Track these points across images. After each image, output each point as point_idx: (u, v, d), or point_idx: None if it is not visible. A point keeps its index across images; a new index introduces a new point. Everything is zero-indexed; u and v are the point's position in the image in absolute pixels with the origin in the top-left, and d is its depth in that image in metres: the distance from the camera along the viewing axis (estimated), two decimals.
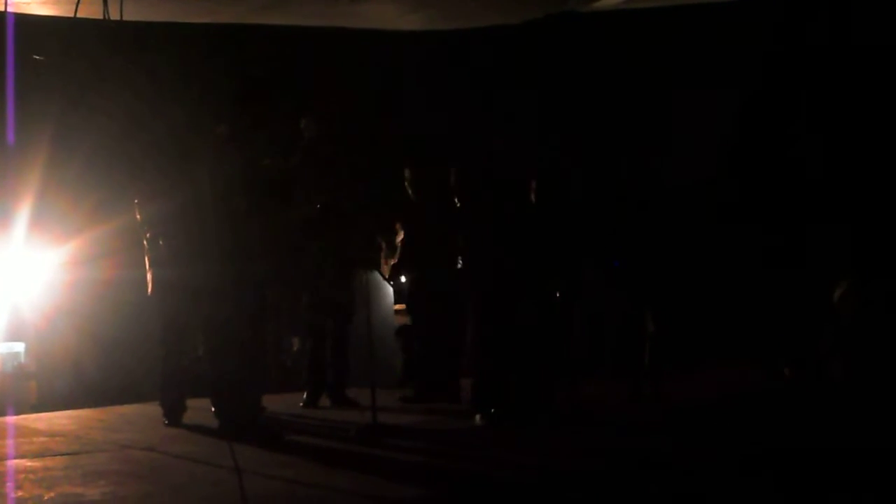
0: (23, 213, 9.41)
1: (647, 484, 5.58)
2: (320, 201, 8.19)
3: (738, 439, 6.72)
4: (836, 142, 10.59)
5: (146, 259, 7.85)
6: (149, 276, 7.81)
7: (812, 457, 6.09)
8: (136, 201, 7.84)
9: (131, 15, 6.85)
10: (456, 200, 7.68)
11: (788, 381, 9.13)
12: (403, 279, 8.95)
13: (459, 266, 7.88)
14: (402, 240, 8.83)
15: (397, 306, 10.28)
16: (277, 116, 8.50)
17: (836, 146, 10.61)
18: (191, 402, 7.95)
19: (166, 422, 7.77)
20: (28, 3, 7.65)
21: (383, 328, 9.58)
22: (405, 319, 9.27)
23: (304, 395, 8.63)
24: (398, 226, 8.98)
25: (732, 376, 9.68)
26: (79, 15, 7.15)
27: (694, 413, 7.95)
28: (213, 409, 7.92)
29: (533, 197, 7.87)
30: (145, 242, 7.85)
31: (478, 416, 7.53)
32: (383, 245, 9.15)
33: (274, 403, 8.08)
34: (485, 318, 7.63)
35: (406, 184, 8.58)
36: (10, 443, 7.26)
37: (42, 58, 9.08)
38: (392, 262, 9.08)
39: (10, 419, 8.40)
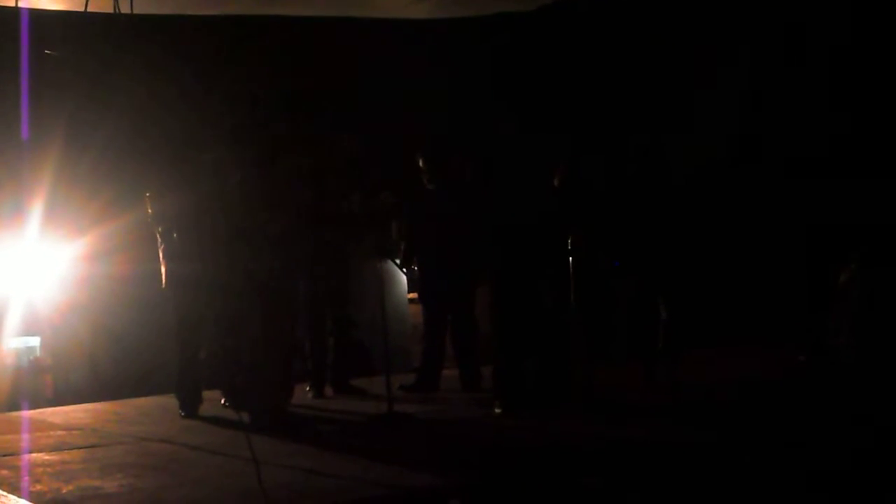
0: (37, 208, 9.44)
1: (664, 470, 5.57)
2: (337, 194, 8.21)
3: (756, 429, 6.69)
4: (849, 123, 10.53)
5: (160, 252, 7.87)
6: (163, 270, 7.84)
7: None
8: (147, 195, 7.86)
9: (141, 8, 6.85)
10: (469, 189, 7.67)
11: (804, 366, 9.09)
12: (414, 267, 8.93)
13: (473, 254, 7.88)
14: (413, 227, 8.81)
15: (410, 295, 10.28)
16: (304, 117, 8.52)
17: (849, 127, 10.55)
18: (206, 394, 7.98)
19: (183, 413, 7.79)
20: None
21: (396, 317, 9.59)
22: (418, 308, 9.25)
23: (308, 387, 8.61)
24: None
25: (747, 361, 9.64)
26: (89, 9, 7.15)
27: (709, 399, 7.91)
28: (222, 400, 7.96)
29: (548, 183, 7.86)
30: (158, 236, 7.88)
31: (497, 404, 7.52)
32: (397, 231, 9.13)
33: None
34: (502, 305, 7.62)
35: (420, 172, 8.56)
36: (27, 437, 7.29)
37: (54, 53, 9.10)
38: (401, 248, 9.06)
39: (27, 413, 8.43)
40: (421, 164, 8.53)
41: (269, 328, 7.27)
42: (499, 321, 7.68)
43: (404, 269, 9.10)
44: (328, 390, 8.66)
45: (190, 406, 7.82)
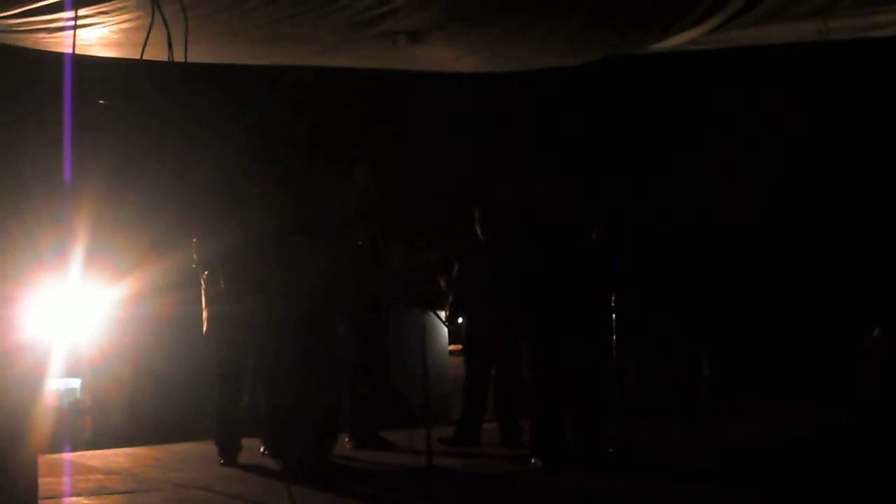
0: (79, 250, 9.49)
1: None
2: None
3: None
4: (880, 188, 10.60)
5: (202, 296, 7.92)
6: (204, 314, 7.88)
7: None
8: (194, 240, 7.92)
9: (194, 57, 6.94)
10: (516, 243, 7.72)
11: (846, 426, 9.03)
12: (460, 320, 8.93)
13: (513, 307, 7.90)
14: (459, 280, 8.82)
15: (452, 346, 10.27)
16: (337, 162, 8.58)
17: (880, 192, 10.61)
18: (246, 442, 7.98)
19: (222, 461, 7.79)
20: (91, 46, 7.75)
21: (437, 369, 9.57)
22: (459, 360, 9.24)
23: (347, 438, 8.50)
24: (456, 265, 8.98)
25: (786, 418, 9.57)
26: (144, 57, 7.25)
27: (750, 456, 7.85)
28: (262, 449, 7.96)
29: (589, 239, 7.89)
30: (202, 281, 7.93)
31: (534, 459, 7.49)
32: (443, 284, 9.15)
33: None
34: (541, 359, 7.62)
35: (475, 223, 8.59)
36: (66, 480, 7.32)
37: (106, 103, 9.20)
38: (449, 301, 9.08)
39: (67, 456, 8.46)
40: (477, 216, 8.56)
41: (309, 374, 7.27)
42: (538, 375, 7.67)
43: (447, 323, 9.11)
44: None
45: (229, 454, 7.82)
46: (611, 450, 7.73)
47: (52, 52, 7.79)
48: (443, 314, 8.98)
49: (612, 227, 8.22)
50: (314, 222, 7.53)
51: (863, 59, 9.81)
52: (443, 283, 9.08)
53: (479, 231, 8.59)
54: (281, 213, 7.47)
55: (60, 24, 7.00)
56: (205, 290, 7.90)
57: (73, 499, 6.52)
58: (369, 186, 8.68)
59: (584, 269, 7.78)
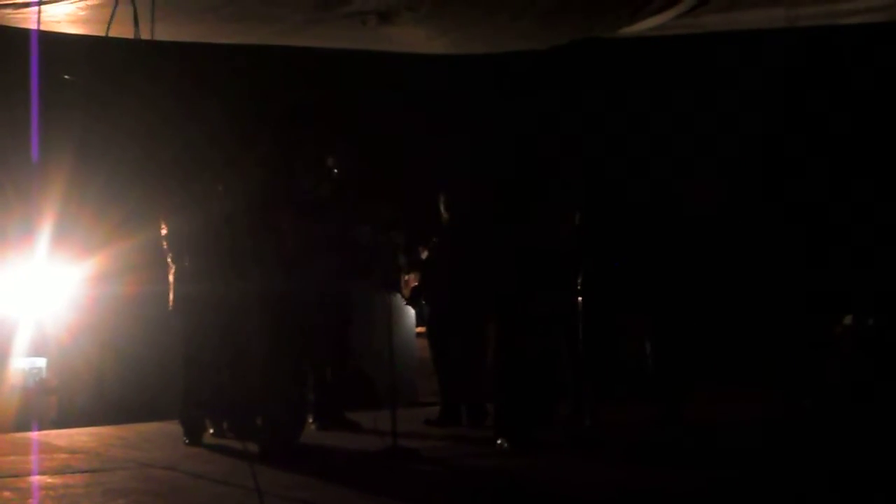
0: (46, 229, 9.44)
1: None
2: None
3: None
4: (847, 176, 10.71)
5: (170, 275, 7.89)
6: (171, 292, 7.86)
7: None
8: (160, 218, 7.89)
9: (161, 35, 6.92)
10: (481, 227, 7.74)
11: (808, 410, 9.13)
12: (424, 302, 8.95)
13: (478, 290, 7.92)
14: (425, 262, 8.83)
15: (418, 329, 10.29)
16: (312, 141, 8.56)
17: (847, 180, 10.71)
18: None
19: (186, 441, 7.78)
20: (58, 22, 7.70)
21: (404, 350, 9.59)
22: (425, 342, 9.26)
23: (311, 419, 8.53)
24: (422, 248, 9.01)
25: (749, 403, 9.65)
26: (109, 34, 7.20)
27: (712, 441, 7.92)
28: (210, 430, 7.95)
29: (551, 223, 7.91)
30: (169, 259, 7.90)
31: (500, 440, 7.52)
32: (405, 266, 9.16)
33: None
34: (503, 342, 7.65)
35: (441, 207, 8.60)
36: (31, 459, 7.30)
37: (73, 77, 9.13)
38: (413, 284, 9.09)
39: (33, 435, 8.43)
40: (442, 200, 8.56)
41: (279, 354, 7.25)
42: (501, 358, 7.70)
43: (409, 303, 9.11)
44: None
45: (194, 433, 7.81)
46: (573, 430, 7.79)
47: (17, 28, 7.74)
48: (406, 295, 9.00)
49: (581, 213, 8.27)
50: (287, 202, 7.51)
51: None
52: (404, 264, 9.10)
53: (444, 214, 8.59)
54: (253, 192, 7.44)
55: None
56: (171, 268, 7.87)
57: (39, 477, 6.49)
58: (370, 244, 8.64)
59: (549, 254, 7.80)
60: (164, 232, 7.88)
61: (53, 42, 8.11)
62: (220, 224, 7.53)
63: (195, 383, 7.84)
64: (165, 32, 7.17)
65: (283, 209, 7.41)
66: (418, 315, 10.03)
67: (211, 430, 7.97)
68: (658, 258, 8.40)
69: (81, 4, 7.25)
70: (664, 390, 8.53)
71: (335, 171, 8.50)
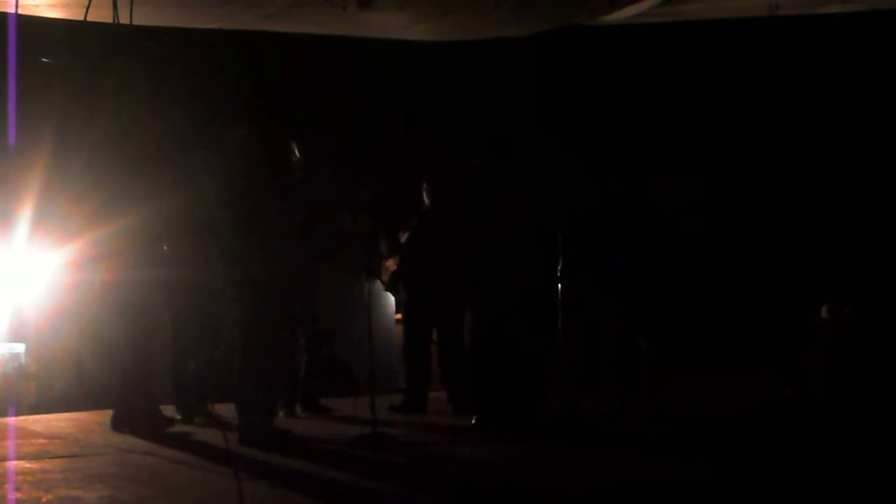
0: (24, 213, 9.40)
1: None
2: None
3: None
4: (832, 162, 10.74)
5: (148, 259, 7.87)
6: (149, 276, 7.83)
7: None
8: (138, 201, 7.86)
9: (140, 20, 6.88)
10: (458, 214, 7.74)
11: (789, 399, 9.17)
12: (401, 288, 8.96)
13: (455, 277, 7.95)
14: (404, 246, 8.83)
15: (398, 315, 10.28)
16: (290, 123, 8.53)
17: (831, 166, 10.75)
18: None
19: (179, 418, 7.80)
20: (37, 6, 7.66)
21: (384, 337, 9.59)
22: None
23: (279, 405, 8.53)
24: (401, 233, 9.00)
25: (731, 392, 9.70)
26: (88, 19, 7.17)
27: (689, 430, 7.96)
28: (179, 416, 7.96)
29: (531, 212, 7.93)
30: (149, 242, 7.88)
31: (473, 421, 7.59)
32: (385, 252, 9.16)
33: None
34: (478, 328, 7.69)
35: (423, 194, 8.60)
36: (9, 444, 7.28)
37: (50, 61, 9.09)
38: (391, 269, 9.09)
39: (11, 420, 8.41)
40: (425, 188, 8.57)
41: (258, 337, 7.24)
42: (476, 344, 7.74)
43: (388, 289, 9.11)
44: (297, 409, 8.63)
45: (184, 414, 7.85)
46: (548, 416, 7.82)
47: None
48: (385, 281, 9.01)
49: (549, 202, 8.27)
50: (270, 189, 7.48)
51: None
52: (385, 249, 9.10)
53: (426, 202, 8.60)
54: (235, 178, 7.42)
55: None
56: (151, 252, 7.85)
57: (16, 462, 6.47)
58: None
59: (529, 245, 7.82)
60: (141, 217, 7.85)
61: (28, 27, 8.09)
62: (200, 208, 7.51)
63: (179, 367, 7.87)
64: (145, 17, 7.15)
65: (267, 192, 7.39)
66: (397, 301, 10.04)
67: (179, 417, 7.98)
68: (637, 248, 8.43)
69: None
70: (626, 379, 8.53)
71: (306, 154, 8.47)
